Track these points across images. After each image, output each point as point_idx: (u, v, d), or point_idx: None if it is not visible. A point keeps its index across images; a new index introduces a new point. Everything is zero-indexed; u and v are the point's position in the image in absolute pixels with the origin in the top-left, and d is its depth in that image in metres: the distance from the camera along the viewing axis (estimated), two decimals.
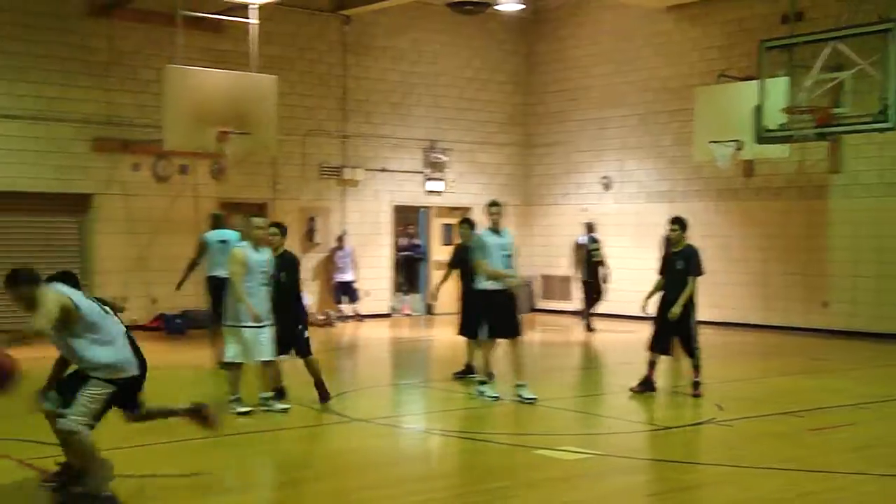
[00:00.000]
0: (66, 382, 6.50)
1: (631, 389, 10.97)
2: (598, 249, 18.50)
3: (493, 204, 10.91)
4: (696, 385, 10.93)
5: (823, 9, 16.94)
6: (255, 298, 9.57)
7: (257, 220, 9.99)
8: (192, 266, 13.76)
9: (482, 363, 10.80)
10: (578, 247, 18.71)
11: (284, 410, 9.68)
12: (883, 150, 16.90)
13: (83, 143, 17.43)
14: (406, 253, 21.33)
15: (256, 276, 9.64)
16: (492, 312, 10.57)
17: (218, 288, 11.39)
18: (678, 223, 11.12)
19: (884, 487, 7.37)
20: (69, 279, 6.61)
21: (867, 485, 7.42)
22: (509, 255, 10.58)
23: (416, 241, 21.53)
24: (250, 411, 9.57)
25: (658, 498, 7.24)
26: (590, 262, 18.33)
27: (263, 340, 9.66)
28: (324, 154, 20.23)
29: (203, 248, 13.35)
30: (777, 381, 13.03)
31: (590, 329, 18.06)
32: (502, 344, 10.75)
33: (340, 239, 20.03)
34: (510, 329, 10.60)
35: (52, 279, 6.51)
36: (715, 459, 8.27)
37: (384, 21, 20.94)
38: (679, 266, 10.92)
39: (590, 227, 18.72)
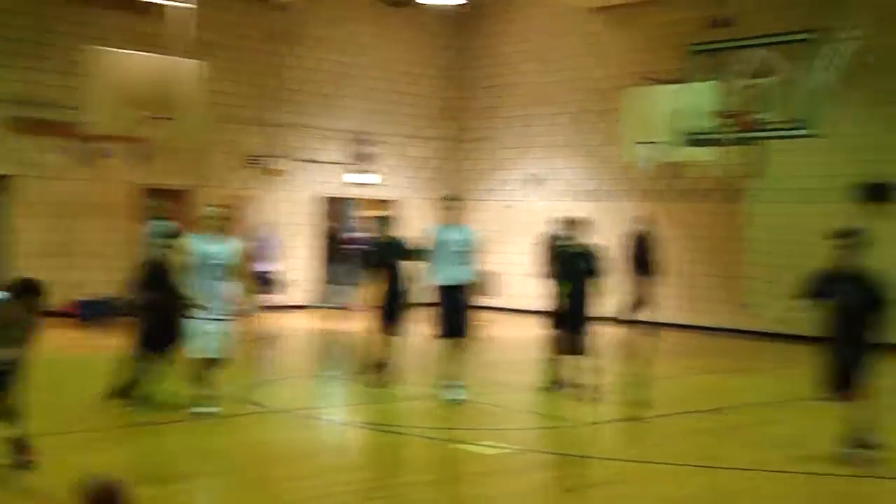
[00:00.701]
0: None
1: (544, 389, 10.91)
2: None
3: (450, 198, 10.56)
4: (590, 388, 10.66)
5: (751, 15, 17.25)
6: (206, 292, 8.92)
7: (210, 210, 9.32)
8: None
9: (447, 367, 10.34)
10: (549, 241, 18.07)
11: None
12: (803, 155, 17.25)
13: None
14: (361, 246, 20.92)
15: (208, 269, 8.97)
16: (443, 310, 10.26)
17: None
18: (577, 224, 10.96)
19: (799, 484, 7.54)
20: None
21: (777, 482, 7.58)
22: (463, 252, 10.24)
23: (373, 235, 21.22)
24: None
25: (574, 494, 7.31)
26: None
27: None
28: (252, 143, 20.01)
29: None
30: (699, 379, 13.27)
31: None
32: (449, 343, 10.39)
33: (264, 228, 19.80)
34: (457, 328, 10.30)
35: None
36: (633, 456, 8.37)
37: (319, 11, 20.79)
38: (583, 267, 10.73)
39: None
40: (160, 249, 9.46)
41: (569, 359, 10.94)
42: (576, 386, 10.72)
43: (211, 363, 9.06)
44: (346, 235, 21.27)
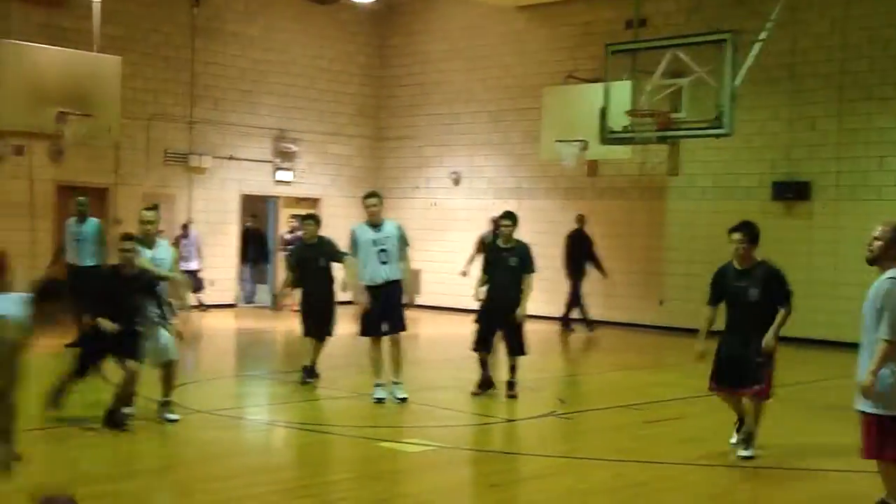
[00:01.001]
0: None
1: (472, 393, 10.66)
2: None
3: (370, 195, 10.26)
4: (511, 385, 10.58)
5: (665, 17, 17.58)
6: None
7: (144, 214, 9.06)
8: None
9: (373, 363, 10.26)
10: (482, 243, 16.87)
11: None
12: (718, 154, 17.67)
13: None
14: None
15: None
16: (372, 308, 10.07)
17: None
18: (510, 218, 10.55)
19: (707, 476, 7.73)
20: None
21: (692, 474, 7.77)
22: (385, 250, 10.03)
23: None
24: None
25: (499, 488, 7.39)
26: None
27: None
28: (169, 140, 19.73)
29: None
30: (616, 375, 13.48)
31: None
32: (384, 340, 10.26)
33: (185, 227, 19.57)
34: (380, 327, 10.14)
35: None
36: (554, 451, 8.49)
37: (235, 6, 20.58)
38: (513, 263, 10.53)
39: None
40: (125, 253, 8.57)
41: (494, 356, 10.98)
42: (508, 384, 10.62)
43: (167, 366, 8.92)
44: (285, 235, 20.63)
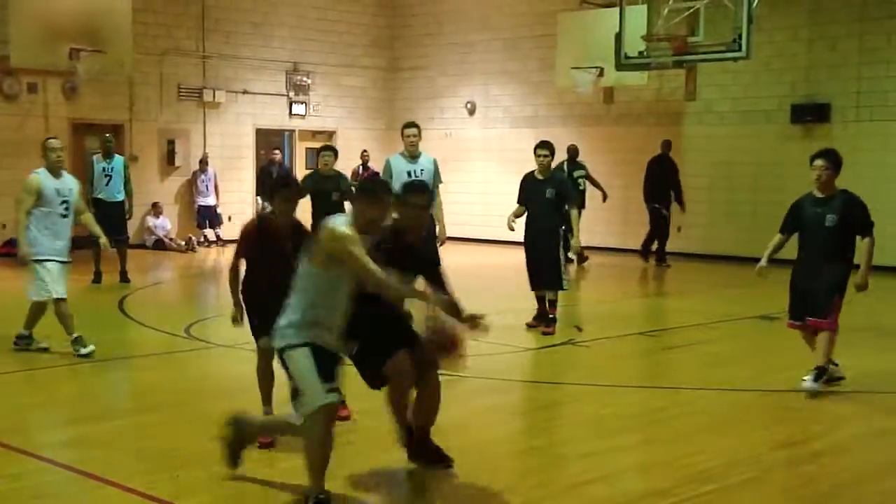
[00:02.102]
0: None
1: (527, 325, 10.43)
2: (583, 176, 16.85)
3: (409, 125, 10.02)
4: (549, 321, 10.31)
5: None
6: (54, 231, 8.60)
7: (53, 143, 8.80)
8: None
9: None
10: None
11: (89, 354, 8.64)
12: (735, 78, 17.45)
13: None
14: None
15: (56, 207, 8.59)
16: None
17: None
18: (547, 148, 10.20)
19: (726, 401, 7.75)
20: None
21: (710, 399, 7.80)
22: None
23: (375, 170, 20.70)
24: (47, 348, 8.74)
25: (523, 416, 7.47)
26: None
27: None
28: (182, 75, 19.62)
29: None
30: (634, 302, 13.49)
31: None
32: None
33: (203, 162, 19.57)
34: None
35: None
36: (575, 379, 8.54)
37: None
38: (549, 195, 10.13)
39: (573, 152, 16.89)
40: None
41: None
42: (546, 319, 10.35)
43: (57, 304, 8.65)
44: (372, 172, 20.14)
